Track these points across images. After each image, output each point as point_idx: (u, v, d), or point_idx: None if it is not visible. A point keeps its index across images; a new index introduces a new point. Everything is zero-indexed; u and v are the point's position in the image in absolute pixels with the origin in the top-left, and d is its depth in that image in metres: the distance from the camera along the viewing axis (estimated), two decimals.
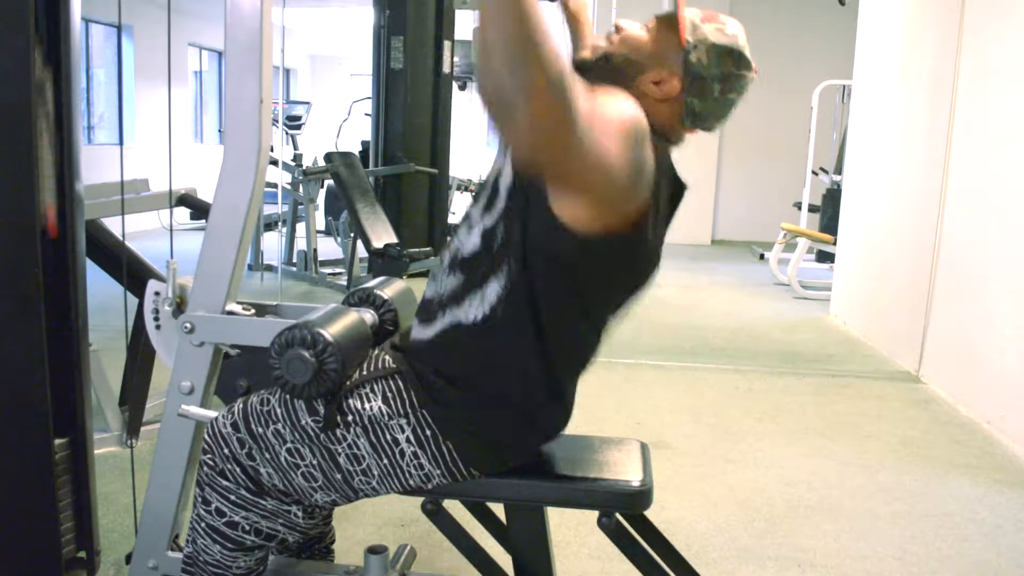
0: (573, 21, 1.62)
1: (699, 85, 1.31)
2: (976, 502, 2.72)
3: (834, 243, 6.05)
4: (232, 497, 1.40)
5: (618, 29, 1.37)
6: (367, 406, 1.33)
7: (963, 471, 2.99)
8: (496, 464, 1.37)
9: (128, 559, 1.66)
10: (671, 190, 1.36)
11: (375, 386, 1.35)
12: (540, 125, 1.05)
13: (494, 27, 1.02)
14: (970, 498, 2.75)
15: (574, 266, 1.26)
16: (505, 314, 1.28)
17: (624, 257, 1.30)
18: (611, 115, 1.17)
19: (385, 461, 1.34)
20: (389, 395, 1.33)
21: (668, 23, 1.34)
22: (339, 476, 1.36)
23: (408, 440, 1.32)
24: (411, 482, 1.36)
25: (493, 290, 1.29)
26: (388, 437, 1.33)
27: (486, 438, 1.35)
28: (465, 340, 1.32)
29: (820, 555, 2.32)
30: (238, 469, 1.39)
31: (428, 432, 1.32)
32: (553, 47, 1.03)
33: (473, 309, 1.30)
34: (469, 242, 1.33)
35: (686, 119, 1.35)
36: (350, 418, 1.33)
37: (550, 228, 1.23)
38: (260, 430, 1.37)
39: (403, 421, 1.32)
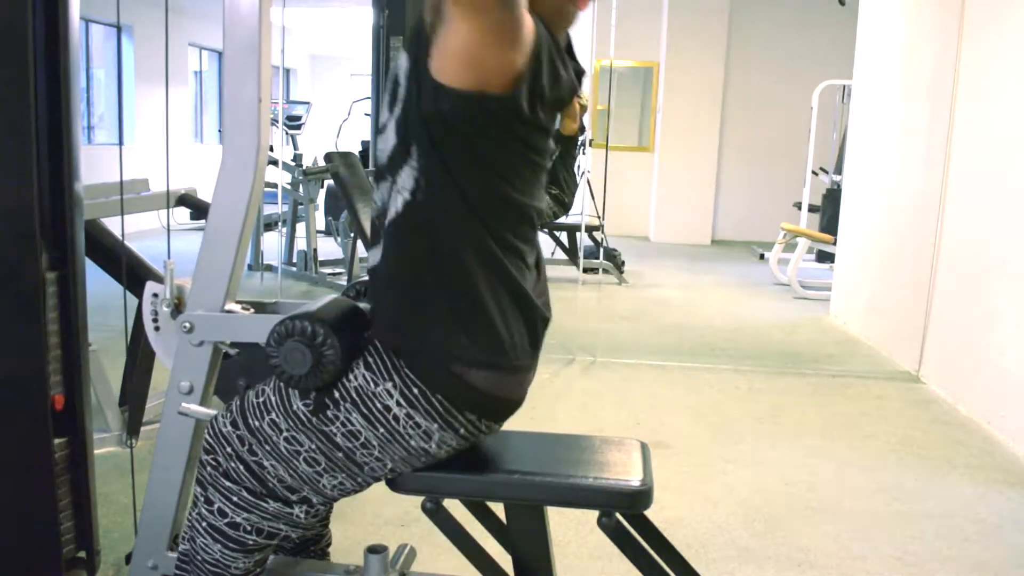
0: None
1: None
2: (976, 502, 2.72)
3: (834, 243, 6.05)
4: (235, 498, 1.40)
5: None
6: (351, 377, 1.33)
7: (963, 471, 2.99)
8: (492, 405, 1.35)
9: (128, 559, 1.66)
10: (568, 72, 1.34)
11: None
12: None
13: None
14: (970, 498, 2.75)
15: (464, 125, 1.25)
16: (427, 193, 1.28)
17: (507, 118, 1.27)
18: None
19: (382, 430, 1.33)
20: (370, 360, 1.33)
21: None
22: (340, 455, 1.35)
23: (399, 403, 1.31)
24: (413, 443, 1.34)
25: (408, 174, 1.29)
26: (379, 405, 1.32)
27: (472, 380, 1.31)
28: (403, 233, 1.31)
29: (820, 555, 2.32)
30: (242, 467, 1.39)
31: (415, 390, 1.31)
32: None
33: (398, 201, 1.30)
34: (385, 143, 1.33)
35: None
36: (337, 395, 1.33)
37: (434, 92, 1.23)
38: (256, 423, 1.38)
39: (389, 385, 1.31)
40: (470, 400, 1.33)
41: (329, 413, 1.33)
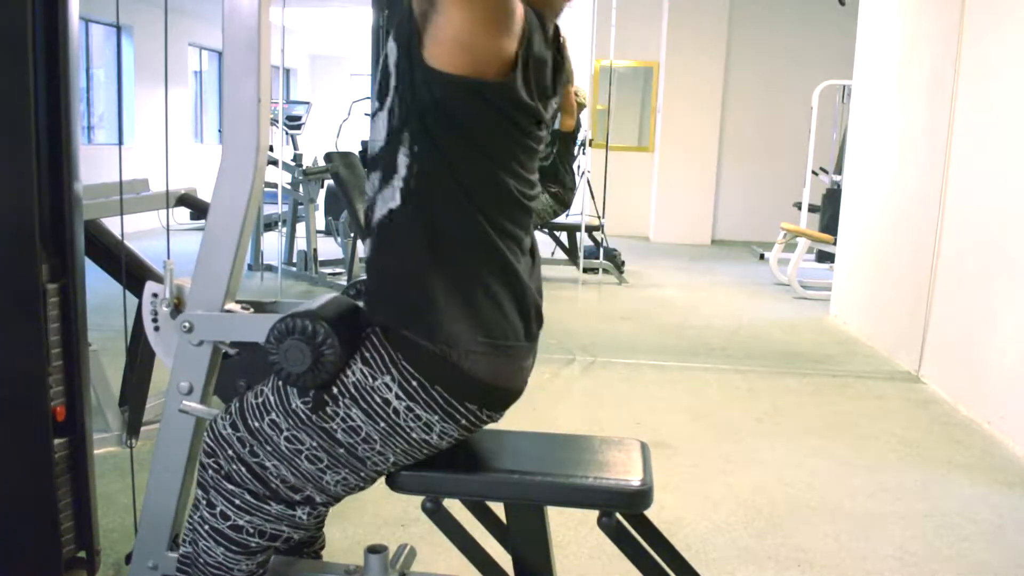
0: None
1: None
2: (976, 502, 2.72)
3: (834, 243, 6.05)
4: (237, 501, 1.40)
5: None
6: (348, 372, 1.32)
7: (963, 471, 2.99)
8: (490, 394, 1.34)
9: (128, 559, 1.66)
10: (555, 65, 1.35)
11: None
12: None
13: None
14: (970, 498, 2.75)
15: (459, 111, 1.26)
16: (420, 180, 1.29)
17: (501, 104, 1.27)
18: None
19: (382, 424, 1.33)
20: (367, 355, 1.33)
21: None
22: (342, 451, 1.35)
23: (398, 396, 1.31)
24: (414, 435, 1.34)
25: (402, 161, 1.29)
26: (378, 399, 1.32)
27: (470, 369, 1.31)
28: (398, 219, 1.31)
29: (820, 555, 2.31)
30: (244, 469, 1.39)
31: (414, 382, 1.30)
32: None
33: (395, 191, 1.30)
34: (376, 132, 1.33)
35: None
36: (336, 391, 1.33)
37: (429, 79, 1.24)
38: (256, 424, 1.37)
39: (387, 379, 1.31)
40: (469, 390, 1.32)
41: (329, 410, 1.33)
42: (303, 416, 1.34)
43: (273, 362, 1.31)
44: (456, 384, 1.31)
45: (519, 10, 1.23)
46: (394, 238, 1.32)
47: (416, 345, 1.31)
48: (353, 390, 1.32)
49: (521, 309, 1.37)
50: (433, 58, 1.23)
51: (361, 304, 1.49)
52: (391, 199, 1.31)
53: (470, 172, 1.29)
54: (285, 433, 1.36)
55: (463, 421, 1.34)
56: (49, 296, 1.61)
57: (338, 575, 1.61)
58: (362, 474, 1.40)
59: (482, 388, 1.33)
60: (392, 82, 1.30)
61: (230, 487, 1.40)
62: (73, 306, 1.66)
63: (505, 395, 1.37)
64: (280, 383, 1.37)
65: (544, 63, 1.32)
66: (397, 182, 1.30)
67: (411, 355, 1.31)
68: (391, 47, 1.31)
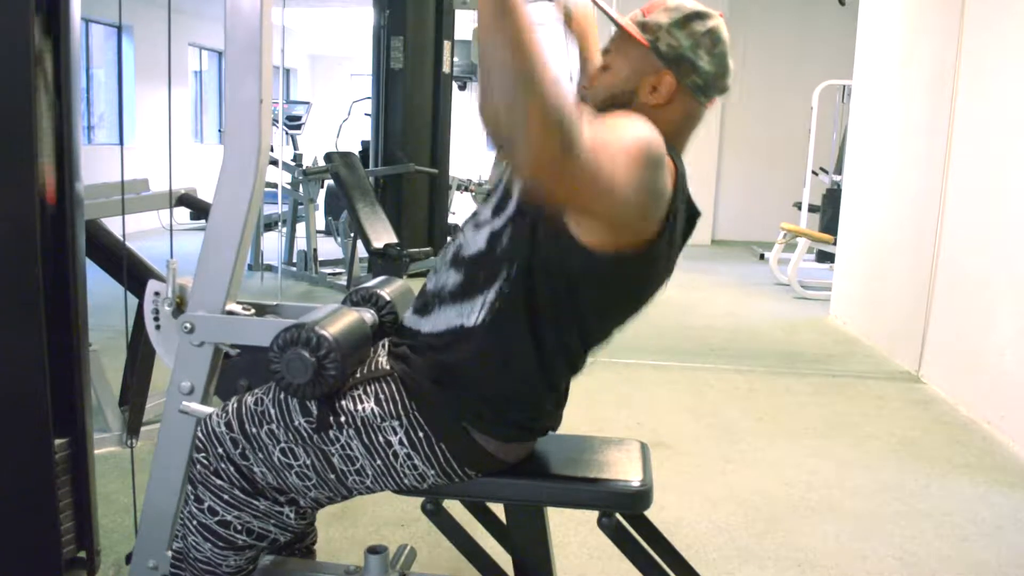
0: (579, 40, 1.62)
1: (687, 64, 1.31)
2: (976, 502, 2.72)
3: (834, 243, 6.05)
4: (225, 496, 1.40)
5: (586, 85, 1.39)
6: (359, 407, 1.33)
7: (963, 471, 2.99)
8: (491, 464, 1.37)
9: (128, 559, 1.66)
10: (686, 215, 1.36)
11: (368, 388, 1.35)
12: (539, 156, 1.05)
13: (491, 57, 1.03)
14: (970, 498, 2.75)
15: (581, 280, 1.26)
16: (503, 320, 1.29)
17: (632, 278, 1.30)
18: (620, 141, 1.16)
19: (379, 462, 1.34)
20: (382, 397, 1.34)
21: (621, 39, 1.35)
22: (333, 476, 1.36)
23: (401, 442, 1.33)
24: (406, 482, 1.37)
25: (492, 295, 1.29)
26: (381, 439, 1.33)
27: (479, 440, 1.34)
28: (464, 343, 1.32)
29: (820, 555, 2.32)
30: (232, 468, 1.39)
31: (421, 434, 1.32)
32: (551, 79, 1.03)
33: (474, 313, 1.30)
34: (475, 241, 1.33)
35: (699, 96, 1.34)
36: (343, 419, 1.33)
37: (562, 241, 1.23)
38: (254, 430, 1.38)
39: (395, 423, 1.32)
40: (472, 458, 1.35)
41: (331, 434, 1.34)
42: (305, 434, 1.35)
43: (274, 371, 1.31)
44: (462, 449, 1.34)
45: (668, 183, 1.23)
46: (450, 341, 1.33)
47: (433, 402, 1.32)
48: (359, 423, 1.33)
49: (549, 420, 1.42)
50: (581, 233, 1.22)
51: (366, 314, 1.49)
52: (466, 313, 1.31)
53: (555, 322, 1.29)
54: (281, 445, 1.36)
55: (456, 479, 1.37)
56: (50, 297, 1.61)
57: (338, 575, 1.61)
58: (346, 497, 1.42)
59: (485, 458, 1.36)
60: (511, 209, 1.29)
61: (218, 482, 1.40)
62: (73, 306, 1.66)
63: (502, 465, 1.39)
64: (282, 397, 1.37)
65: (679, 216, 1.32)
66: (481, 306, 1.30)
67: (425, 409, 1.32)
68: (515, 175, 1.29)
